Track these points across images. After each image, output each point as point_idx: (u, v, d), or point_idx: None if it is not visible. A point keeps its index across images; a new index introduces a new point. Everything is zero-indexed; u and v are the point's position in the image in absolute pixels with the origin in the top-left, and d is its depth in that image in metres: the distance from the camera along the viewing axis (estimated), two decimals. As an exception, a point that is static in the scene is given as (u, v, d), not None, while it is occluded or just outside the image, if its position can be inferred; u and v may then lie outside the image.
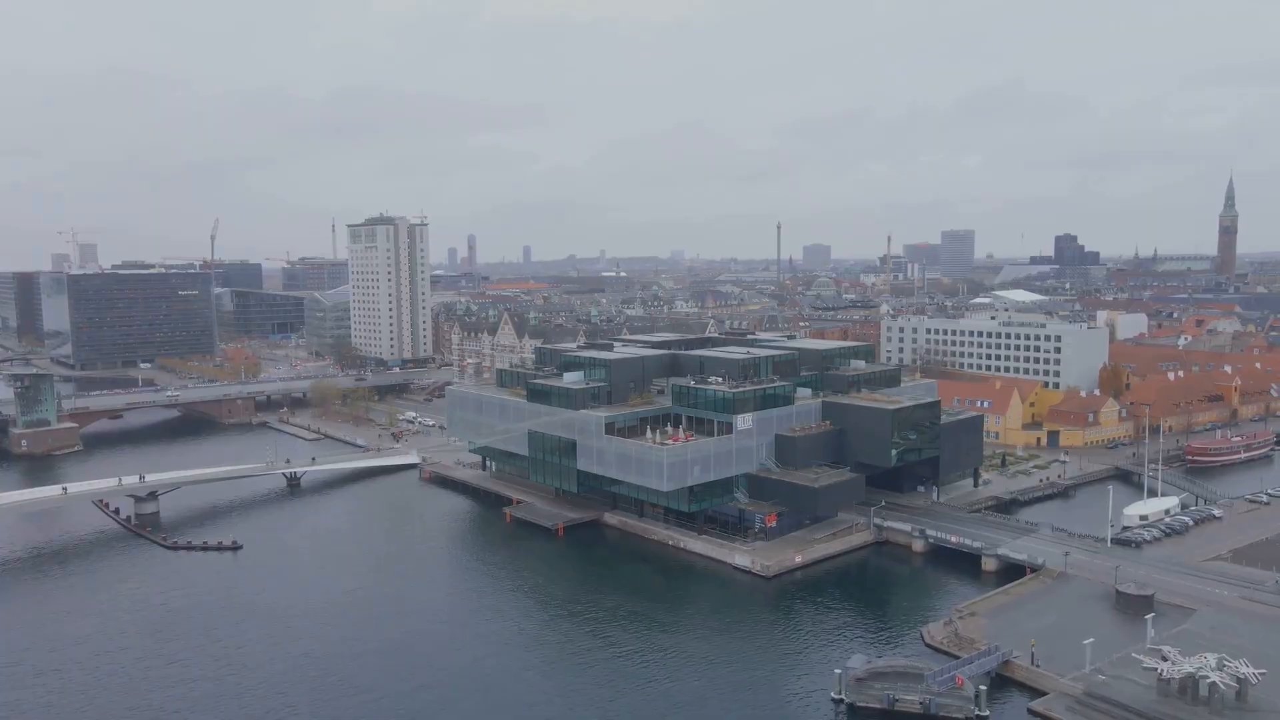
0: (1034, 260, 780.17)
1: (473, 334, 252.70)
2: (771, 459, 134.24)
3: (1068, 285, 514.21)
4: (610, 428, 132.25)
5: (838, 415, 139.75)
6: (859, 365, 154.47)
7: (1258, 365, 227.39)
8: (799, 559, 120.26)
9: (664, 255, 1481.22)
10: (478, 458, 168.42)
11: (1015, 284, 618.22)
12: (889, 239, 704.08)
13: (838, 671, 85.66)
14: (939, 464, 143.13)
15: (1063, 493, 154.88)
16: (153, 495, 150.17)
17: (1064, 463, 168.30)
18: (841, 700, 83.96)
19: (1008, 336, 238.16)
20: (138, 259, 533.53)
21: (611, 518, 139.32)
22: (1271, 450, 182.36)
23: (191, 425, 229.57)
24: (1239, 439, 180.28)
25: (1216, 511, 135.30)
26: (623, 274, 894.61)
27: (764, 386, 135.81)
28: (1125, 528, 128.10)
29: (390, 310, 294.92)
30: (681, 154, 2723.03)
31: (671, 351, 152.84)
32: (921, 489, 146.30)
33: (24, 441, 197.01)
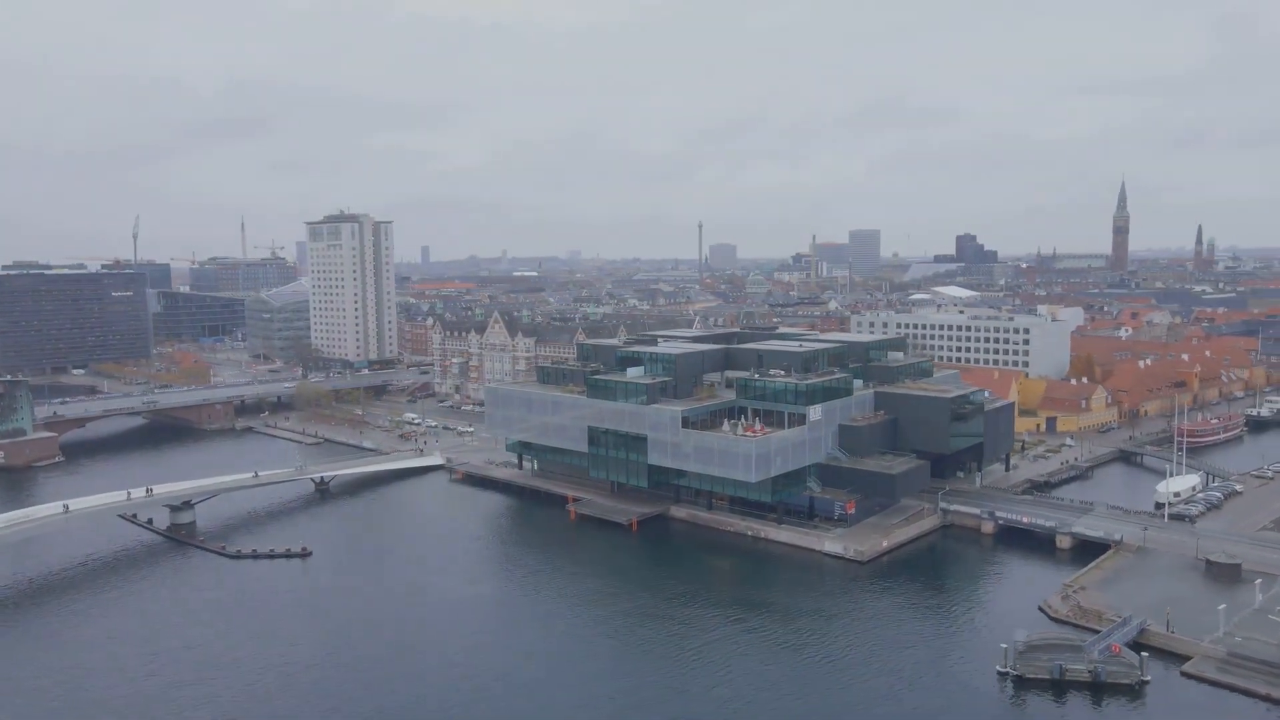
0: (938, 259, 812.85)
1: (456, 333, 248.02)
2: (838, 448, 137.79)
3: (1002, 282, 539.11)
4: (686, 421, 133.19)
5: (891, 405, 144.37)
6: (897, 357, 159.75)
7: (1208, 354, 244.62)
8: (885, 543, 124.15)
9: (563, 255, 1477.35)
10: (512, 456, 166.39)
11: (927, 281, 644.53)
12: (813, 237, 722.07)
13: (1003, 646, 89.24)
14: (982, 449, 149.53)
15: (1083, 474, 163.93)
16: (187, 504, 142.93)
17: (1071, 446, 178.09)
18: (1008, 673, 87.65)
19: (977, 330, 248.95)
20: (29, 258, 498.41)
21: (678, 511, 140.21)
22: (1242, 430, 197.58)
23: (168, 432, 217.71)
24: (1217, 420, 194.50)
25: (1238, 486, 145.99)
26: (533, 273, 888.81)
27: (829, 378, 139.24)
28: (1158, 504, 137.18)
29: (356, 310, 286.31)
30: (582, 156, 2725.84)
31: (725, 346, 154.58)
32: (961, 474, 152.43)
33: (0, 454, 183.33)
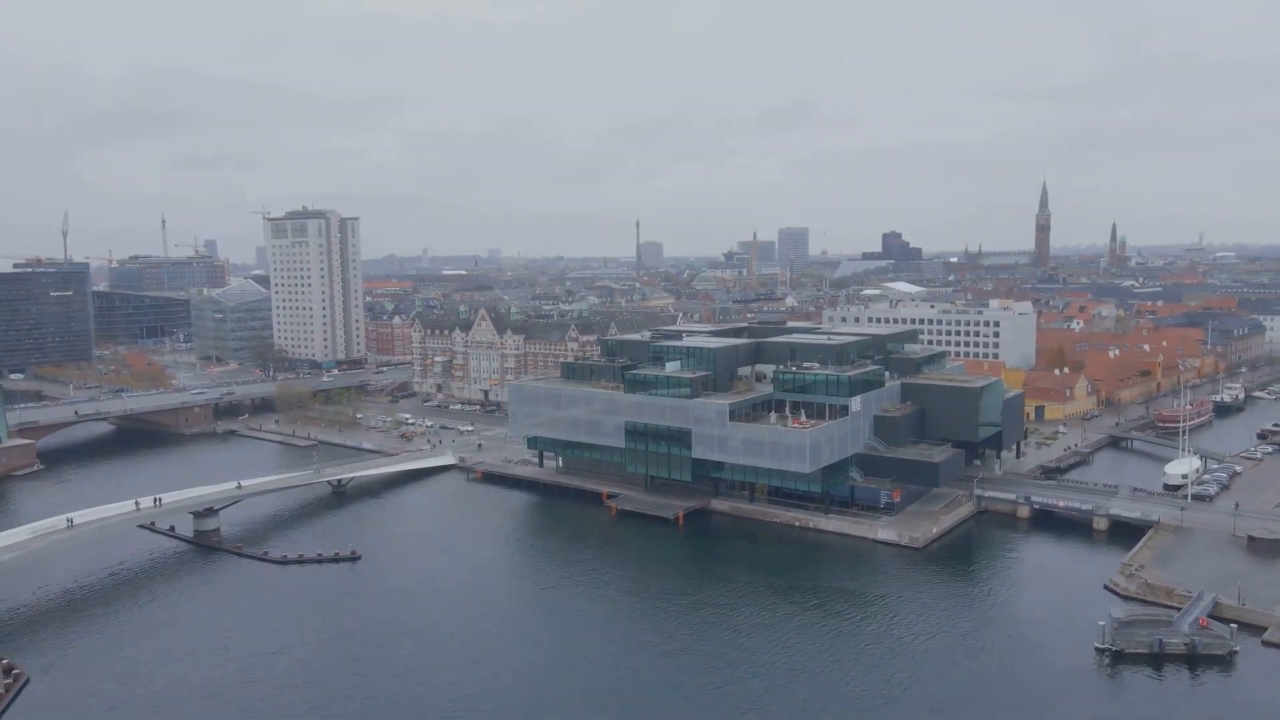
0: (866, 256, 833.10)
1: (438, 331, 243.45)
2: (875, 438, 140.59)
3: (951, 279, 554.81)
4: (733, 414, 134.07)
5: (918, 395, 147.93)
6: (913, 349, 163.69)
7: (1164, 344, 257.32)
8: (935, 530, 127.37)
9: (483, 254, 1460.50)
10: (531, 454, 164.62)
11: (858, 278, 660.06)
12: (754, 234, 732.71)
13: (1101, 623, 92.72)
14: (1002, 437, 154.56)
15: (1085, 460, 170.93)
16: (210, 511, 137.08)
17: (1064, 434, 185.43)
18: (1107, 649, 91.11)
19: (948, 323, 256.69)
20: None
21: (719, 504, 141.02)
22: (1211, 416, 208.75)
23: (145, 438, 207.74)
24: (1190, 407, 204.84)
25: (1238, 467, 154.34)
26: (462, 272, 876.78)
27: (866, 370, 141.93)
28: (1166, 485, 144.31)
29: (324, 309, 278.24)
30: (502, 153, 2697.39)
31: (756, 340, 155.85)
32: (978, 462, 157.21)
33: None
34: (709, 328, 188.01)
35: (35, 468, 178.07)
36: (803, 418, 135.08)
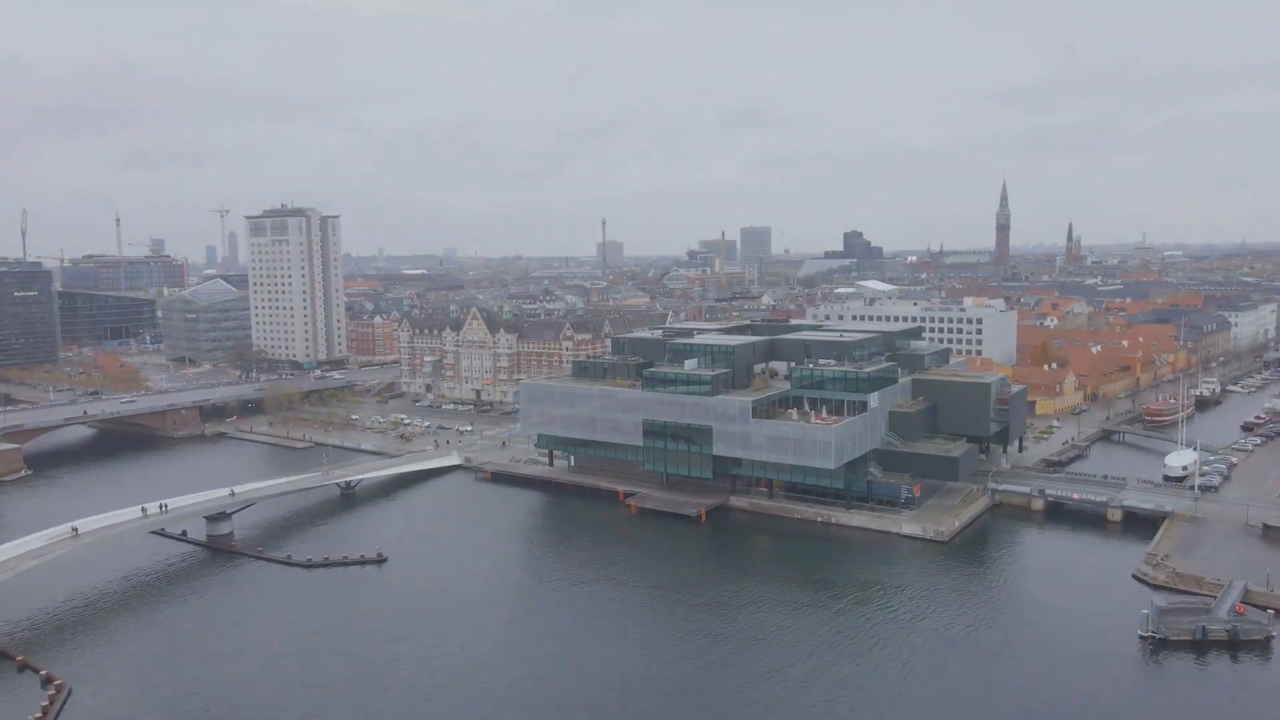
0: (828, 255, 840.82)
1: (427, 331, 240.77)
2: (890, 434, 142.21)
3: (923, 277, 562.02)
4: (755, 411, 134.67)
5: (929, 391, 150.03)
6: (919, 345, 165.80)
7: (1140, 340, 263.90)
8: (957, 523, 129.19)
9: (439, 253, 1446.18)
10: (540, 453, 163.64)
11: (822, 276, 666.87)
12: (722, 233, 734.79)
13: (1145, 611, 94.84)
14: (1008, 432, 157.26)
15: (1083, 453, 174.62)
16: (223, 515, 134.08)
17: (1058, 428, 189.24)
18: (1151, 636, 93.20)
19: (932, 320, 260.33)
20: None
21: (738, 501, 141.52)
22: (1193, 410, 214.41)
23: (131, 441, 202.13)
24: (1173, 400, 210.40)
25: (1234, 458, 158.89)
26: (422, 271, 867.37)
27: (880, 367, 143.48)
28: (1166, 476, 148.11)
29: (305, 309, 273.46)
30: (455, 152, 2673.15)
31: (770, 337, 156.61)
32: (983, 456, 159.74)
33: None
34: (714, 326, 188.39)
35: (23, 473, 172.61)
36: (824, 414, 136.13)
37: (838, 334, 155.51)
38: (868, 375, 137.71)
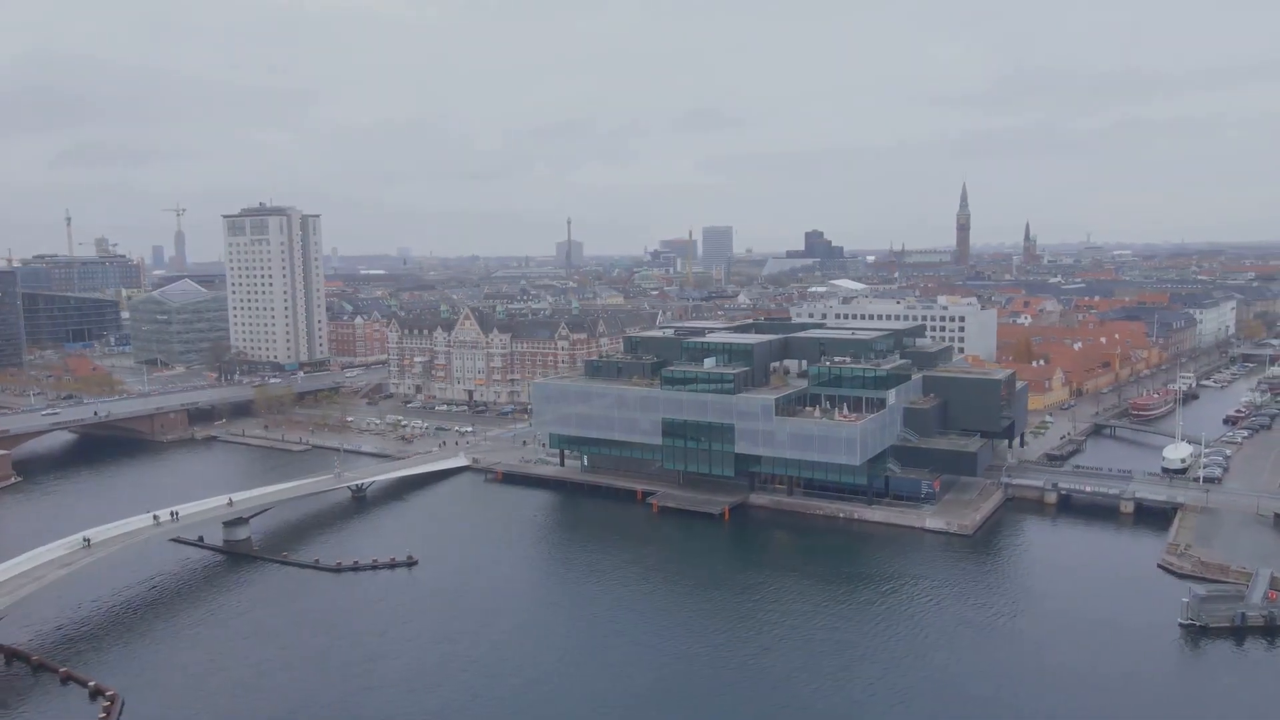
0: (790, 254, 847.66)
1: (417, 331, 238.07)
2: (906, 430, 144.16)
3: (896, 276, 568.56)
4: (779, 409, 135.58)
5: (940, 387, 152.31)
6: (925, 343, 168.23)
7: (1116, 335, 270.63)
8: (978, 517, 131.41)
9: (393, 253, 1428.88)
10: (549, 453, 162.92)
11: (785, 275, 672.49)
12: (689, 232, 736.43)
13: (1184, 600, 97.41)
14: (1013, 427, 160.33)
15: (1079, 447, 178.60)
16: (240, 520, 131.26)
17: (1051, 423, 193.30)
18: (1191, 624, 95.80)
19: (915, 319, 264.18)
20: None
21: (758, 498, 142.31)
22: (1175, 405, 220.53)
23: (118, 446, 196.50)
24: (1157, 395, 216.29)
25: (1227, 450, 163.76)
26: (381, 271, 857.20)
27: (896, 364, 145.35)
28: (1165, 469, 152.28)
29: (286, 309, 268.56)
30: (409, 150, 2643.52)
31: (785, 335, 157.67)
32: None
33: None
34: (721, 325, 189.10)
35: (13, 480, 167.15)
36: (845, 411, 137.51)
37: (850, 332, 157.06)
38: (886, 373, 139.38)
